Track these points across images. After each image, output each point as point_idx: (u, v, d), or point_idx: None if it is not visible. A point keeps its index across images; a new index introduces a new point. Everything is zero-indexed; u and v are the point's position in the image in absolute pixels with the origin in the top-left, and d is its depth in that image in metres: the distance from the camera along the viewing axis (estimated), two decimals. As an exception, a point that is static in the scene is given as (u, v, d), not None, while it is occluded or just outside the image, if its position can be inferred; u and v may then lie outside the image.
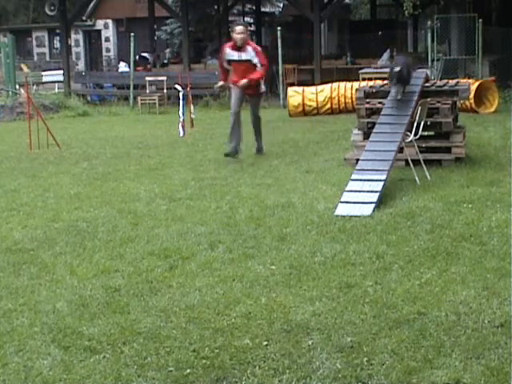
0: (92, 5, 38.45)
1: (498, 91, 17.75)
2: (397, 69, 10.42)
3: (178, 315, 5.50)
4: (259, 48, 12.56)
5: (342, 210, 8.23)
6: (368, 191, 8.56)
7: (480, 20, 20.13)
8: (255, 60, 12.16)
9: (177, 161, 12.45)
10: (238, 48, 12.25)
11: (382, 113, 10.30)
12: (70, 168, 12.21)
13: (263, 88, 12.68)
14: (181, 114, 15.84)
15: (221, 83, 12.94)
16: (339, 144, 13.27)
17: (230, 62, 12.39)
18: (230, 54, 12.38)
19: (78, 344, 5.06)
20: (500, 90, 18.11)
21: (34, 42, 45.08)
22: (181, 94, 16.54)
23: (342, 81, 19.43)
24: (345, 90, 18.67)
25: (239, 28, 12.31)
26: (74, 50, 39.36)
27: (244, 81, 12.14)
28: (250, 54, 12.19)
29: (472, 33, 20.53)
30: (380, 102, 10.81)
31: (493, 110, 17.23)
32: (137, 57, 27.41)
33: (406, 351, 4.73)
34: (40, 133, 14.46)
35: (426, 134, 10.72)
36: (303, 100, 18.89)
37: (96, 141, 15.62)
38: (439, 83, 11.51)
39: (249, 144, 12.70)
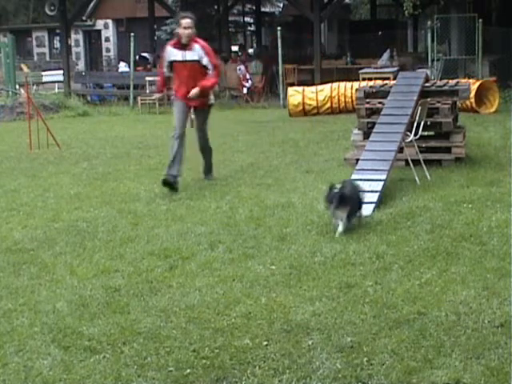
0: (92, 5, 38.45)
1: (498, 91, 17.76)
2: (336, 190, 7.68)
3: (178, 315, 5.50)
4: (209, 46, 10.16)
5: (342, 209, 8.20)
6: (368, 191, 8.55)
7: (480, 20, 20.13)
8: (205, 61, 9.89)
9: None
10: (183, 46, 9.94)
11: (382, 113, 10.29)
12: (70, 168, 12.21)
13: (212, 99, 10.35)
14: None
15: (157, 95, 11.47)
16: (339, 144, 13.27)
17: (171, 64, 10.07)
18: (173, 53, 10.04)
19: (78, 344, 5.06)
20: (500, 90, 18.11)
21: (34, 42, 45.07)
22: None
23: (342, 81, 19.44)
24: (345, 90, 18.68)
25: (186, 21, 9.92)
26: (74, 50, 39.36)
27: (194, 91, 9.85)
28: (197, 53, 9.90)
29: (472, 33, 20.53)
30: (380, 102, 10.82)
31: (493, 110, 17.24)
32: (137, 57, 27.39)
33: (405, 351, 4.73)
34: (40, 133, 14.46)
35: (426, 133, 10.72)
36: (303, 99, 18.90)
37: (96, 141, 15.62)
38: (439, 83, 11.51)
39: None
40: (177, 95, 10.14)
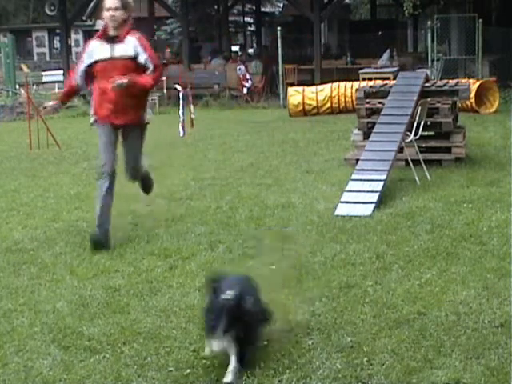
0: (92, 5, 38.39)
1: (498, 91, 17.75)
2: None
3: (178, 315, 5.50)
4: (146, 40, 7.42)
5: (342, 210, 8.23)
6: (368, 191, 8.57)
7: (480, 20, 20.12)
8: (142, 57, 7.17)
9: (176, 161, 12.44)
10: (111, 38, 7.22)
11: (382, 113, 10.30)
12: (70, 168, 12.21)
13: (149, 115, 7.49)
14: (181, 114, 15.84)
15: (50, 104, 7.68)
16: (339, 144, 13.27)
17: (92, 66, 7.23)
18: (96, 48, 7.24)
19: (78, 344, 5.06)
20: (500, 89, 18.11)
21: (34, 42, 45.09)
22: (181, 94, 16.54)
23: (342, 81, 19.43)
24: (345, 90, 18.68)
25: (111, 0, 7.18)
26: (74, 50, 39.32)
27: (120, 80, 6.99)
28: (131, 47, 7.17)
29: (472, 33, 20.52)
30: (380, 102, 10.82)
31: (493, 110, 17.23)
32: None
33: (405, 351, 4.73)
34: (40, 133, 14.46)
35: (426, 133, 10.72)
36: (303, 99, 18.89)
37: (96, 141, 15.59)
38: (439, 83, 11.51)
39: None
40: (97, 114, 7.37)
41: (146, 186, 8.00)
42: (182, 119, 15.79)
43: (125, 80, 7.01)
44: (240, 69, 23.94)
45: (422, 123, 9.93)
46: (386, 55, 23.28)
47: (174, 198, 9.38)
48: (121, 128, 7.36)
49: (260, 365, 4.57)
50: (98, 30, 7.70)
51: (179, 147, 14.11)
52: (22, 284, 6.36)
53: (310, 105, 18.86)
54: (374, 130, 10.02)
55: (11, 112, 22.01)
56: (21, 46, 40.09)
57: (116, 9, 7.19)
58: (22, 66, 34.62)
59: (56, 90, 28.43)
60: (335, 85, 18.99)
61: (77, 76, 7.35)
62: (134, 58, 7.18)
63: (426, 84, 10.96)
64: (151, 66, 7.20)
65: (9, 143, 15.97)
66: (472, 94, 15.24)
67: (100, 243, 7.19)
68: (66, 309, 5.73)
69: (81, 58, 7.44)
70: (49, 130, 14.39)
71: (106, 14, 7.22)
